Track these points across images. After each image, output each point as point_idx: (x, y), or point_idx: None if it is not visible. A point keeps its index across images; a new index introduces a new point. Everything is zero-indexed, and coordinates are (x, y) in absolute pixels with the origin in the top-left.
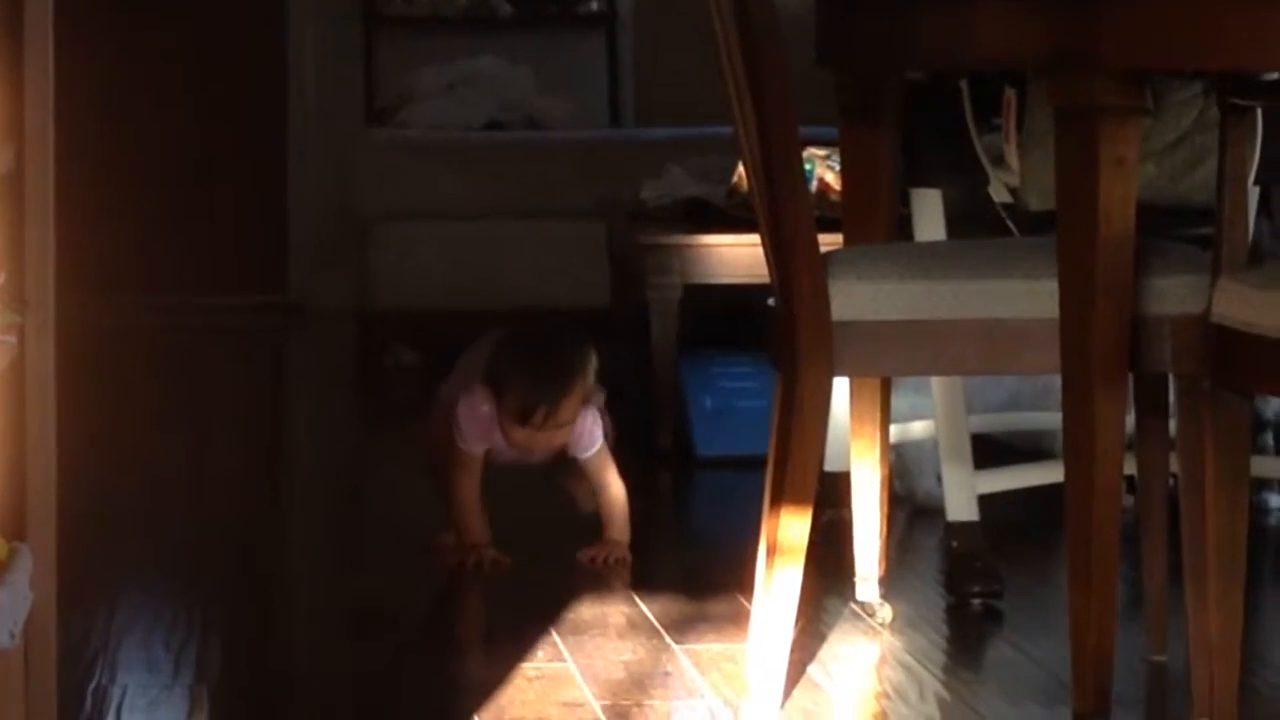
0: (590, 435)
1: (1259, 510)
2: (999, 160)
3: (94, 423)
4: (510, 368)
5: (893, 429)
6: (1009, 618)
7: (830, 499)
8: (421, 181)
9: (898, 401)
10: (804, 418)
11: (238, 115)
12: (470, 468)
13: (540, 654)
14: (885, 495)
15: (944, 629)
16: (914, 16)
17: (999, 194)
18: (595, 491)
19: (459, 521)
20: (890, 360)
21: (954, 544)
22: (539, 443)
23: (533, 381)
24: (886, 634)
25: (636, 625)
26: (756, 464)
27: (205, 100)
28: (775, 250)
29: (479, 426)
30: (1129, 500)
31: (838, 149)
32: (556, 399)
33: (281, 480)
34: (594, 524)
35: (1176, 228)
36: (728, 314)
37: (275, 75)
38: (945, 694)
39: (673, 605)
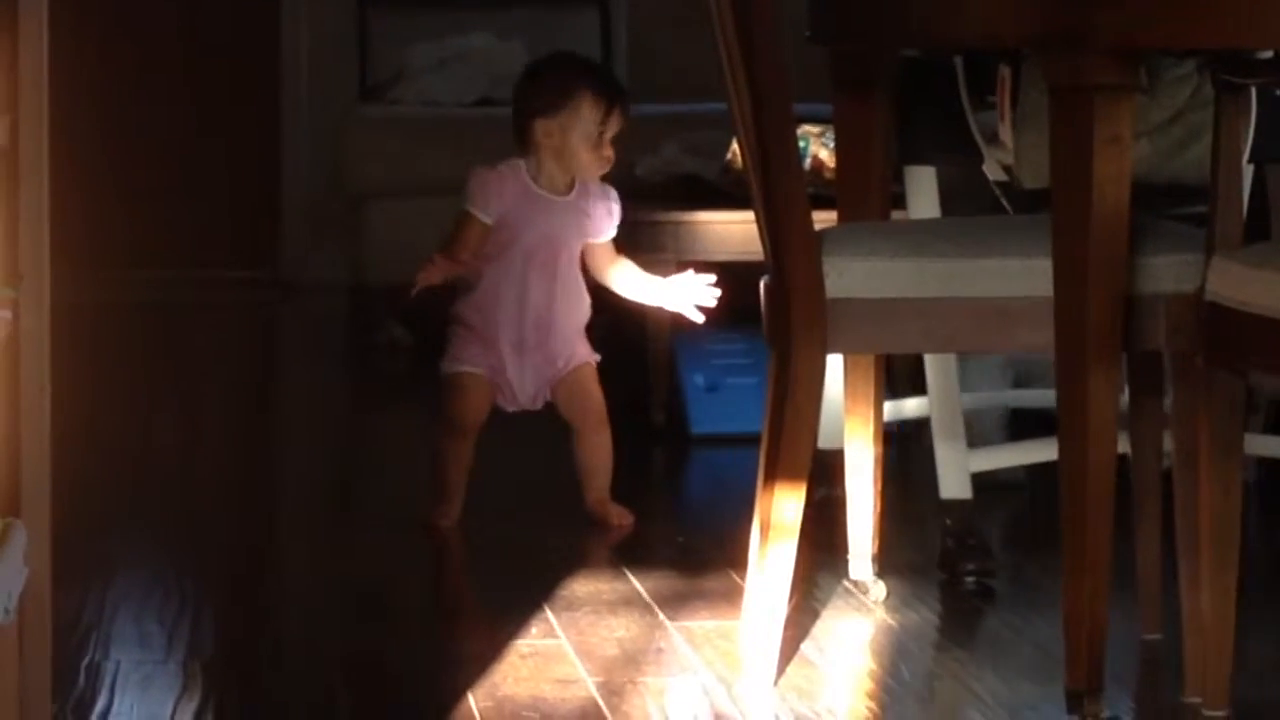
0: (612, 214)
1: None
2: (993, 138)
3: (87, 398)
4: (579, 77)
5: (886, 406)
6: (1002, 596)
7: (824, 477)
8: (414, 157)
9: None
10: (798, 395)
11: (231, 91)
12: (477, 234)
13: (533, 630)
14: (879, 473)
15: (937, 607)
16: None
17: (993, 172)
18: (628, 278)
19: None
20: (884, 338)
21: (947, 522)
22: (599, 164)
23: (605, 77)
24: (880, 612)
25: (630, 602)
26: (750, 442)
27: (198, 75)
28: (770, 227)
29: (490, 185)
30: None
31: (832, 126)
32: (625, 94)
33: (273, 456)
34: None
35: (1171, 206)
36: (722, 291)
37: (268, 51)
38: (939, 671)
39: (666, 582)
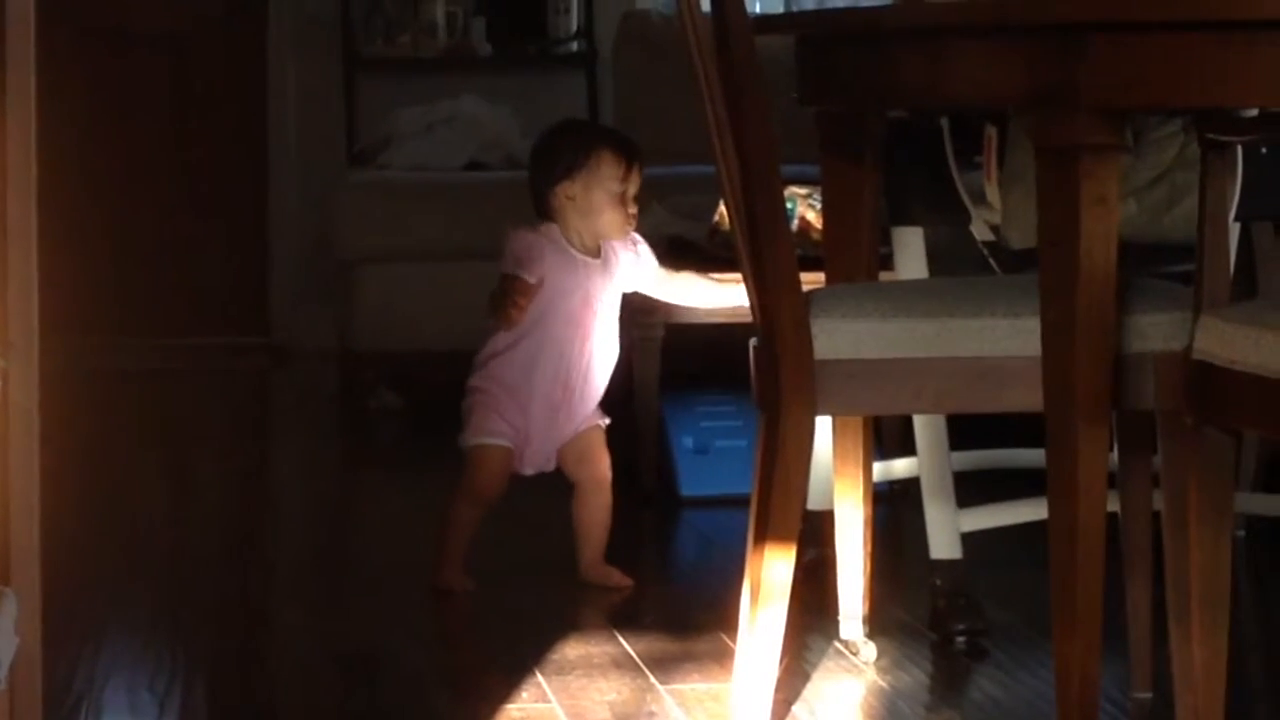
0: (640, 256)
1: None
2: (980, 198)
3: (77, 466)
4: (595, 137)
5: (875, 467)
6: (993, 655)
7: (814, 538)
8: (403, 222)
9: None
10: (787, 457)
11: (218, 157)
12: (523, 292)
13: (525, 695)
14: (869, 534)
15: (928, 667)
16: (894, 56)
17: (981, 232)
18: (700, 290)
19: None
20: (873, 399)
21: (938, 582)
22: (624, 222)
23: (621, 136)
24: (871, 672)
25: (621, 665)
26: (739, 503)
27: (187, 142)
28: (757, 289)
29: (534, 248)
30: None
31: (819, 187)
32: (641, 153)
33: (265, 522)
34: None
35: (1158, 264)
36: (710, 353)
37: (256, 117)
38: None
39: (657, 645)
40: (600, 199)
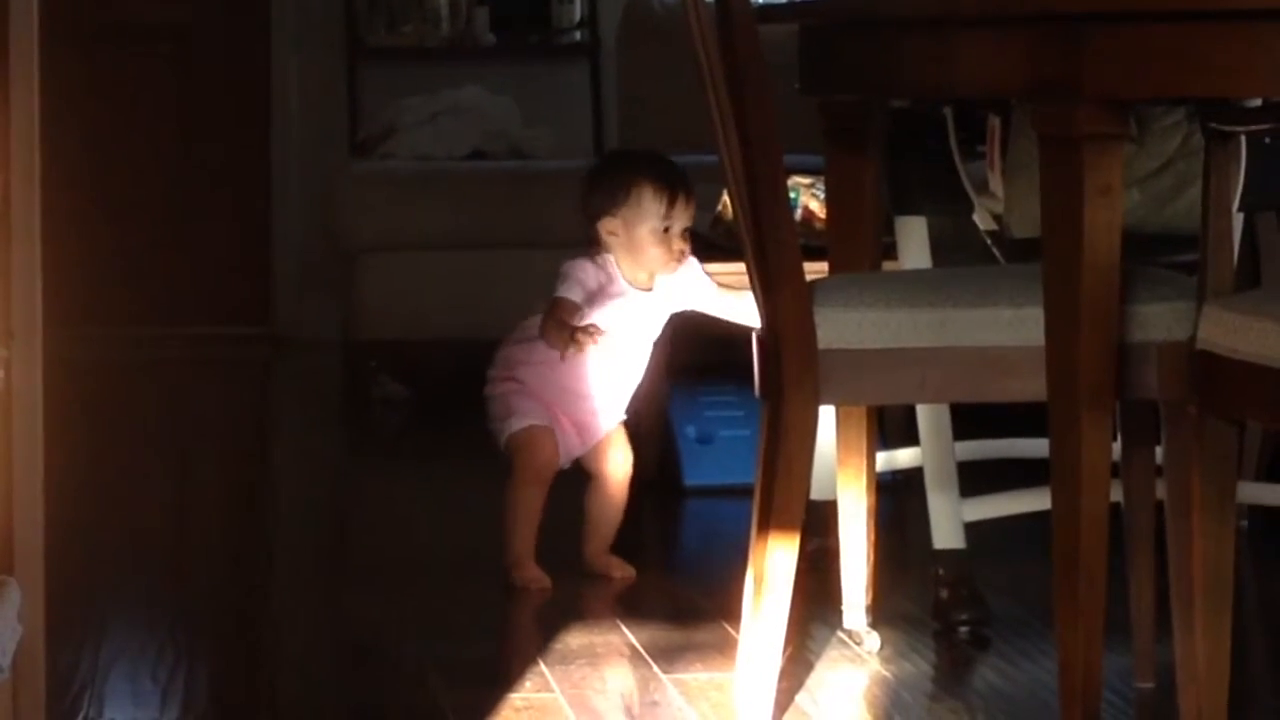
0: (697, 277)
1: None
2: (983, 188)
3: (80, 456)
4: (636, 171)
5: (878, 457)
6: (997, 645)
7: (817, 528)
8: (406, 212)
9: None
10: (790, 446)
11: (222, 147)
12: (570, 313)
13: (528, 684)
14: (872, 524)
15: (931, 657)
16: (897, 46)
17: (984, 221)
18: (727, 299)
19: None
20: (876, 388)
21: (941, 572)
22: (669, 258)
23: (665, 168)
24: (874, 662)
25: (624, 654)
26: (743, 493)
27: (189, 132)
28: (761, 279)
29: (579, 271)
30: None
31: (822, 177)
32: (689, 185)
33: (267, 512)
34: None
35: (1161, 254)
36: (713, 343)
37: (259, 107)
38: None
39: (660, 634)
40: (642, 235)
